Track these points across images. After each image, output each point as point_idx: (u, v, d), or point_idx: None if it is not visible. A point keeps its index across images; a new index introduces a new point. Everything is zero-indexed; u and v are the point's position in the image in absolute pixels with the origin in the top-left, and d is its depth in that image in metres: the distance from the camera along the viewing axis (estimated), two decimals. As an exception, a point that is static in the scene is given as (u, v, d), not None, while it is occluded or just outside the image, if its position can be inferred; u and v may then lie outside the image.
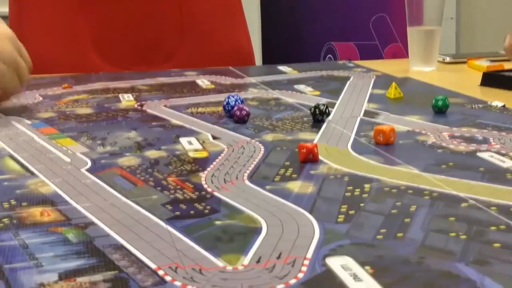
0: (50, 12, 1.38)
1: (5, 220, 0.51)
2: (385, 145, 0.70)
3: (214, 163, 0.65)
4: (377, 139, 0.71)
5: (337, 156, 0.67)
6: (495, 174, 0.60)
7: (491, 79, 1.04)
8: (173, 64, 1.39)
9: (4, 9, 1.60)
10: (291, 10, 2.93)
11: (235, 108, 0.83)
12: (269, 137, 0.75)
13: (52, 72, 1.29)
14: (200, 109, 0.91)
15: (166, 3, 1.41)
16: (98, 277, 0.41)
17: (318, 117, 0.81)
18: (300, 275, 0.41)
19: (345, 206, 0.53)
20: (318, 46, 2.83)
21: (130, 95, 1.03)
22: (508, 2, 2.94)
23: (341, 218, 0.50)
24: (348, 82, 1.09)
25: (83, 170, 0.64)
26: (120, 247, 0.46)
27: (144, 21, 1.39)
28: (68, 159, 0.68)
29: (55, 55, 1.37)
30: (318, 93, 1.02)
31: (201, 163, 0.66)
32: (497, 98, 0.90)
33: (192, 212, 0.52)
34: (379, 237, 0.47)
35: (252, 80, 1.16)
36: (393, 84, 0.97)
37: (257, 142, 0.72)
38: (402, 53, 2.69)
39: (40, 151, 0.71)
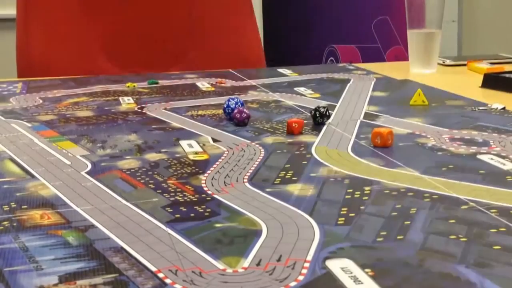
0: (57, 15, 1.38)
1: (5, 223, 0.51)
2: (384, 148, 0.70)
3: (215, 165, 0.65)
4: (374, 142, 0.71)
5: (337, 159, 0.67)
6: (495, 177, 0.59)
7: (492, 81, 1.04)
8: (182, 67, 1.38)
9: (7, 11, 1.60)
10: (292, 13, 2.93)
11: (235, 110, 0.83)
12: (269, 139, 0.75)
13: (59, 75, 1.29)
14: (200, 112, 0.91)
15: (176, 6, 1.40)
16: (98, 280, 0.41)
17: (318, 119, 0.81)
18: (301, 278, 0.41)
19: (346, 208, 0.53)
20: (320, 49, 2.83)
21: (130, 98, 1.03)
22: (510, 4, 2.94)
23: (341, 220, 0.50)
24: (348, 85, 1.09)
25: (83, 173, 0.64)
26: (120, 250, 0.46)
27: (153, 24, 1.39)
28: (68, 162, 0.68)
29: (63, 58, 1.36)
30: (318, 95, 1.02)
31: (201, 166, 0.66)
32: (497, 100, 0.90)
33: (192, 214, 0.52)
34: (379, 239, 0.47)
35: (252, 82, 1.16)
36: (418, 90, 0.92)
37: (257, 145, 0.72)
38: (404, 55, 2.69)
39: (40, 154, 0.71)
